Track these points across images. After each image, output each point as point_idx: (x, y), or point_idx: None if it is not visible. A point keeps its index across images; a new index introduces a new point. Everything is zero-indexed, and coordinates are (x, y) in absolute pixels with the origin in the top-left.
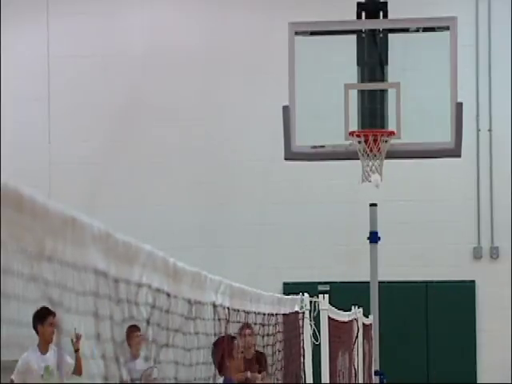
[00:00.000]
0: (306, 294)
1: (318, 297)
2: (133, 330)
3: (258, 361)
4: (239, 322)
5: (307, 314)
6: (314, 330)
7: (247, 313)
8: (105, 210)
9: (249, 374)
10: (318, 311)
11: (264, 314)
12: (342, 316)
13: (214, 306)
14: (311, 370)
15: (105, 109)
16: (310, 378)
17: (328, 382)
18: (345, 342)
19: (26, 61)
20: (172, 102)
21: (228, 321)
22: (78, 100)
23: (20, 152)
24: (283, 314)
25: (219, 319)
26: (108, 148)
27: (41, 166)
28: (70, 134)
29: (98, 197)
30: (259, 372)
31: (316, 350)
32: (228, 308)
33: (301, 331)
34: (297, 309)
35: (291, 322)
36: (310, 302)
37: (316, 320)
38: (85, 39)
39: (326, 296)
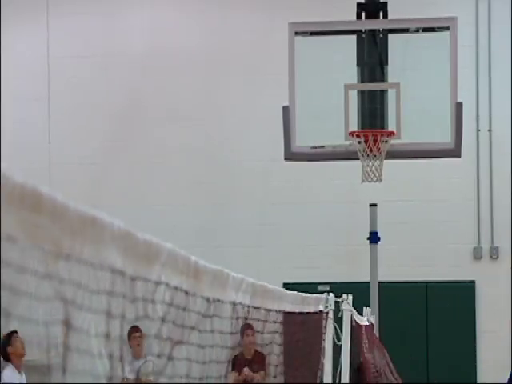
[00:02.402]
0: (331, 294)
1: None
2: (133, 330)
3: (258, 361)
4: (259, 320)
5: (331, 314)
6: (336, 330)
7: (268, 311)
8: (105, 210)
9: (246, 370)
10: (342, 312)
11: (285, 313)
12: (361, 319)
13: (234, 304)
14: (331, 370)
15: (105, 109)
16: (329, 378)
17: (347, 382)
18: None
19: (26, 61)
20: (172, 102)
21: (246, 318)
22: (78, 100)
23: (20, 152)
24: (306, 313)
25: (237, 318)
26: (108, 148)
27: (41, 166)
28: (70, 134)
29: (98, 197)
30: (257, 371)
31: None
32: (248, 306)
33: (323, 331)
34: (321, 308)
35: (315, 320)
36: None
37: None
38: (85, 39)
39: (350, 296)
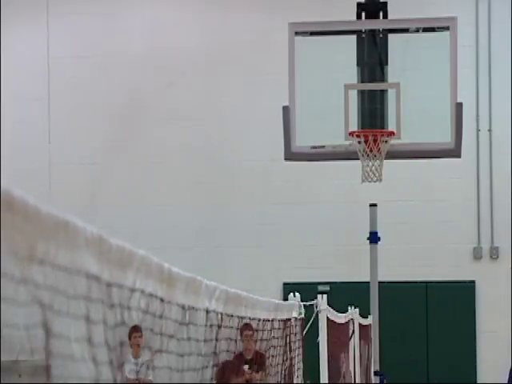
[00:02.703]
0: (301, 303)
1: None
2: (133, 330)
3: (258, 361)
4: (232, 328)
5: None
6: (308, 331)
7: (241, 318)
8: (105, 210)
9: (246, 367)
10: (317, 314)
11: (259, 320)
12: (340, 318)
13: (207, 311)
14: (302, 376)
15: (105, 109)
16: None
17: (327, 382)
18: (343, 343)
19: (26, 61)
20: (172, 102)
21: (220, 326)
22: (78, 100)
23: (20, 152)
24: (279, 320)
25: (211, 325)
26: (108, 148)
27: (41, 166)
28: (70, 134)
29: (98, 197)
30: (257, 371)
31: (315, 351)
32: (221, 313)
33: (297, 338)
34: (295, 315)
35: (288, 327)
36: (311, 304)
37: (315, 321)
38: (85, 39)
39: (325, 296)
